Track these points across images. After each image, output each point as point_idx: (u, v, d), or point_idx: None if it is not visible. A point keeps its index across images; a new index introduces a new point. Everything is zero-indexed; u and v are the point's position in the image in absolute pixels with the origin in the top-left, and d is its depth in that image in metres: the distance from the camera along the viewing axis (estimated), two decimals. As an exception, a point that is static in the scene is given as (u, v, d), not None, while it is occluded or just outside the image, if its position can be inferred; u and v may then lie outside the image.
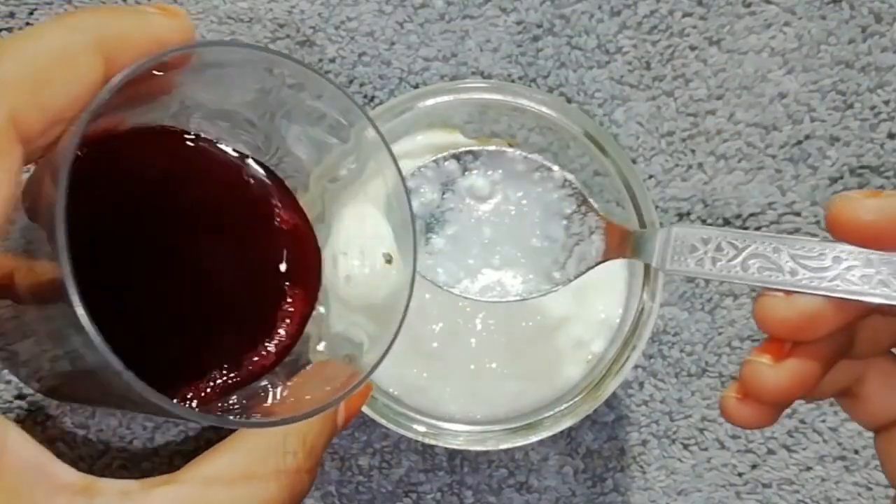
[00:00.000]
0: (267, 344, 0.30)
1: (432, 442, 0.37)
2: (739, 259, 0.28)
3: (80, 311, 0.20)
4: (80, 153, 0.21)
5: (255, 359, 0.30)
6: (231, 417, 0.26)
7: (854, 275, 0.26)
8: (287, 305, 0.31)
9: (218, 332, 0.30)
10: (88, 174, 0.23)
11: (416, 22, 0.45)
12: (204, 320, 0.30)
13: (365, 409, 0.37)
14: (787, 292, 0.27)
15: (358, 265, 0.32)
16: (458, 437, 0.37)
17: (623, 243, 0.34)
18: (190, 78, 0.26)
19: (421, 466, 0.45)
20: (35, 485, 0.24)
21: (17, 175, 0.23)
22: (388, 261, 0.32)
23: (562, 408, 0.37)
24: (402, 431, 0.37)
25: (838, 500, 0.45)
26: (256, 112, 0.30)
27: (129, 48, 0.24)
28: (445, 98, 0.39)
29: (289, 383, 0.29)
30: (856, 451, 0.45)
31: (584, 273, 0.34)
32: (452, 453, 0.45)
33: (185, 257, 0.30)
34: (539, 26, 0.45)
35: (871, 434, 0.31)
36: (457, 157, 0.35)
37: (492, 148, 0.35)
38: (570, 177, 0.35)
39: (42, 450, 0.25)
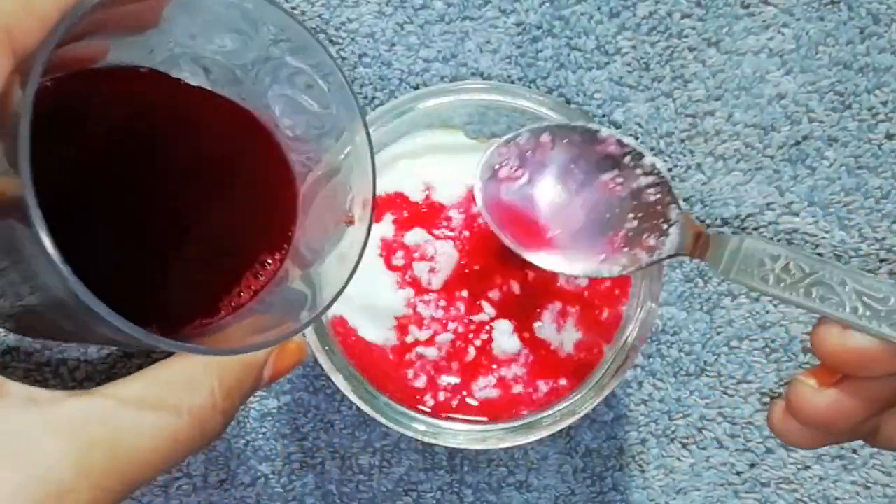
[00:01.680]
0: (243, 289, 0.30)
1: (432, 441, 0.37)
2: (804, 283, 0.28)
3: (38, 218, 0.21)
4: (53, 76, 0.21)
5: (226, 303, 0.30)
6: (170, 340, 0.25)
7: None
8: (265, 256, 0.31)
9: (195, 273, 0.30)
10: (62, 101, 0.23)
11: (417, 23, 0.45)
12: (181, 261, 0.30)
13: (364, 407, 0.37)
14: (846, 325, 0.27)
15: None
16: (458, 436, 0.37)
17: (696, 242, 0.33)
18: (177, 11, 0.26)
19: (421, 465, 0.45)
20: None
21: (1, 84, 0.23)
22: (349, 222, 0.32)
23: (561, 407, 0.37)
24: (402, 430, 0.37)
25: (836, 499, 0.45)
26: (241, 63, 0.29)
27: None
28: (445, 99, 0.39)
29: (227, 326, 0.30)
30: (854, 451, 0.45)
31: (654, 263, 0.34)
32: (452, 452, 0.45)
33: (164, 196, 0.30)
34: (538, 28, 0.45)
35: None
36: (551, 131, 0.36)
37: (588, 125, 0.35)
38: (660, 165, 0.34)
39: None
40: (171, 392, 0.27)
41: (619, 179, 0.35)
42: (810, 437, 0.29)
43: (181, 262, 0.31)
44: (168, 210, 0.30)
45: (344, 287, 0.29)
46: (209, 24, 0.28)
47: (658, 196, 0.34)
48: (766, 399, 0.45)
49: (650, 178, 0.35)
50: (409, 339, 0.38)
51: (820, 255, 0.45)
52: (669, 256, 0.34)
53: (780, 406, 0.29)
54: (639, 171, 0.35)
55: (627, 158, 0.35)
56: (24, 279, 0.25)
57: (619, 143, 0.35)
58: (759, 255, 0.30)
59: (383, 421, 0.37)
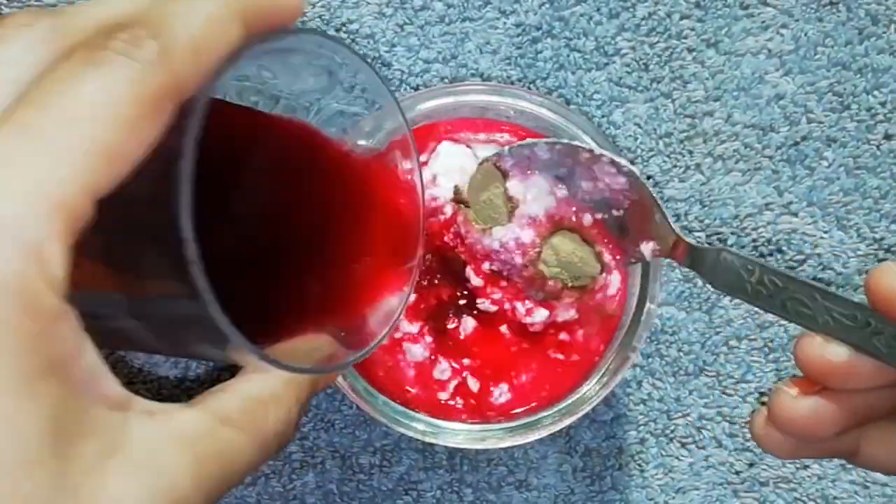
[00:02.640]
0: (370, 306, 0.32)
1: (432, 440, 0.37)
2: (780, 297, 0.29)
3: (196, 264, 0.22)
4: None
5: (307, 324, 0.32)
6: (291, 364, 0.28)
7: (882, 342, 0.27)
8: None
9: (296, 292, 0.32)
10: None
11: (417, 24, 0.46)
12: (291, 278, 0.32)
13: (365, 406, 0.37)
14: (826, 338, 0.28)
15: None
16: (458, 435, 0.37)
17: (675, 249, 0.35)
18: (267, 58, 0.29)
19: (421, 465, 0.45)
20: (88, 388, 0.26)
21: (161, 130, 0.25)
22: None
23: (560, 407, 0.37)
24: (401, 430, 0.37)
25: (835, 498, 0.45)
26: (308, 99, 0.32)
27: (261, 17, 0.27)
28: (445, 100, 0.39)
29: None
30: (852, 450, 0.45)
31: (632, 264, 0.37)
32: (452, 451, 0.45)
33: (286, 214, 0.32)
34: (538, 28, 0.46)
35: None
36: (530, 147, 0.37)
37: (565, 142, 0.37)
38: (636, 170, 0.36)
39: (101, 361, 0.27)
40: (262, 408, 0.29)
41: (598, 186, 0.36)
42: (789, 446, 0.29)
43: (291, 279, 0.32)
44: (290, 225, 0.32)
45: (391, 328, 0.31)
46: (294, 68, 0.30)
47: (636, 202, 0.36)
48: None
49: (625, 183, 0.36)
50: (398, 335, 0.39)
51: (819, 255, 0.45)
52: (642, 259, 0.36)
53: (763, 413, 0.29)
54: (617, 177, 0.36)
55: (605, 165, 0.36)
56: (153, 303, 0.27)
57: (593, 153, 0.36)
58: (736, 268, 0.31)
59: (383, 421, 0.37)
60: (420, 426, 0.37)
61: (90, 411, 0.25)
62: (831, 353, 0.28)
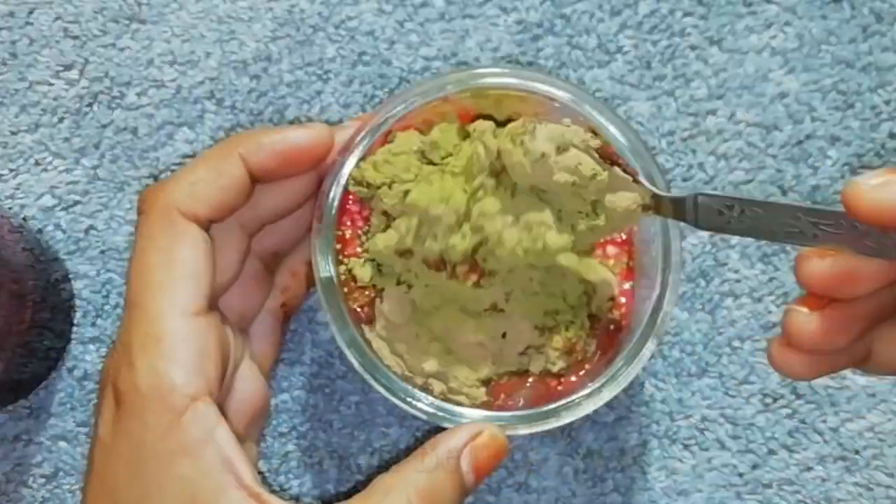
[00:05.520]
0: None
1: (438, 423, 0.36)
2: (766, 224, 0.30)
3: None
4: None
5: None
6: None
7: (871, 241, 0.28)
8: None
9: None
10: None
11: (417, 21, 0.45)
12: None
13: (369, 378, 0.36)
14: (823, 252, 0.28)
15: None
16: (462, 418, 0.36)
17: (660, 205, 0.34)
18: None
19: (420, 465, 0.45)
20: (222, 475, 0.31)
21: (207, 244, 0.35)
22: None
23: (563, 402, 0.37)
24: (403, 406, 0.36)
25: (839, 500, 0.45)
26: None
27: (259, 151, 0.35)
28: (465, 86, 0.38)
29: None
30: (856, 452, 0.45)
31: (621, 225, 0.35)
32: (452, 453, 0.44)
33: None
34: (539, 26, 0.45)
35: (871, 434, 0.32)
36: None
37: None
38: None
39: (238, 450, 0.32)
40: None
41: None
42: (809, 364, 0.30)
43: None
44: None
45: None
46: None
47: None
48: (769, 400, 0.45)
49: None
50: None
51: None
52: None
53: (778, 339, 0.30)
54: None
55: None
56: None
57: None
58: (715, 207, 0.31)
59: (381, 391, 0.36)
60: (425, 405, 0.36)
61: (226, 492, 0.31)
62: (828, 263, 0.28)
